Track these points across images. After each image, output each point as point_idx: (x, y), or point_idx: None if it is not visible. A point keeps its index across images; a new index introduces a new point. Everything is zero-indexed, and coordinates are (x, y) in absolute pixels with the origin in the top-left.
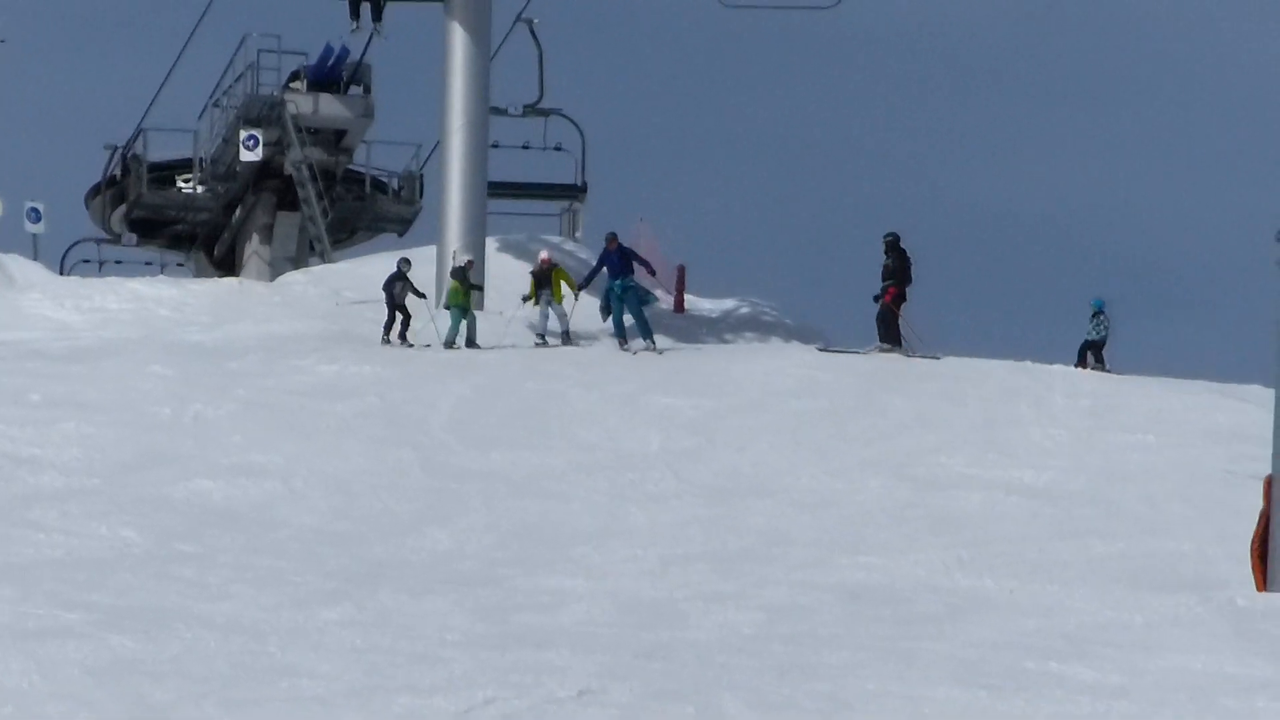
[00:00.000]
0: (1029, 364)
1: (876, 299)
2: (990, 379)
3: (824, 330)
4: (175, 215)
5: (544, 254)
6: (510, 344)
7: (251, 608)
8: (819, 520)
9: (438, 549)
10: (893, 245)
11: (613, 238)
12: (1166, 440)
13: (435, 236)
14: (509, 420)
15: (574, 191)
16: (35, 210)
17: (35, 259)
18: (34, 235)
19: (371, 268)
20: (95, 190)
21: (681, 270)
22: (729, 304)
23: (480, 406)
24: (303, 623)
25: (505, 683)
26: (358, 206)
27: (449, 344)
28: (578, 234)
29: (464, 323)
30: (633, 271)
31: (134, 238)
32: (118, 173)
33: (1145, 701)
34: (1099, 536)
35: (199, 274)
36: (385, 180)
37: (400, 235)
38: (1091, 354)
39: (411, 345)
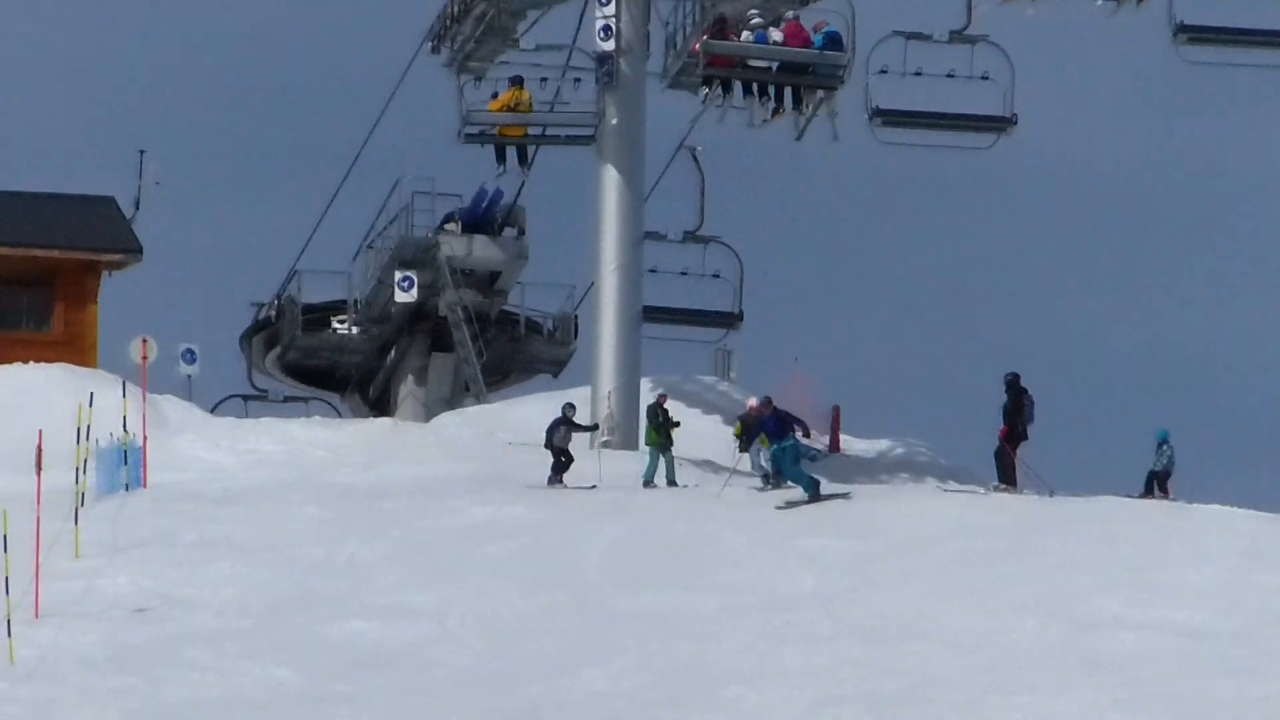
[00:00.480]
0: (1181, 504)
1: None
2: (1143, 519)
3: (978, 471)
4: (329, 357)
5: (752, 401)
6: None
7: None
8: (973, 662)
9: (592, 689)
10: (1010, 385)
11: (768, 402)
12: None
13: (589, 377)
14: (661, 561)
15: (731, 320)
16: (190, 351)
17: (189, 400)
18: (188, 377)
19: (526, 409)
20: (250, 333)
21: (836, 411)
22: (883, 444)
23: (633, 548)
24: None
25: None
26: (512, 348)
27: (647, 482)
28: (732, 374)
29: (662, 461)
30: (792, 432)
31: (281, 392)
32: (271, 315)
33: None
34: (1256, 676)
35: (353, 415)
36: (539, 321)
37: (555, 376)
38: (1157, 483)
39: (566, 486)
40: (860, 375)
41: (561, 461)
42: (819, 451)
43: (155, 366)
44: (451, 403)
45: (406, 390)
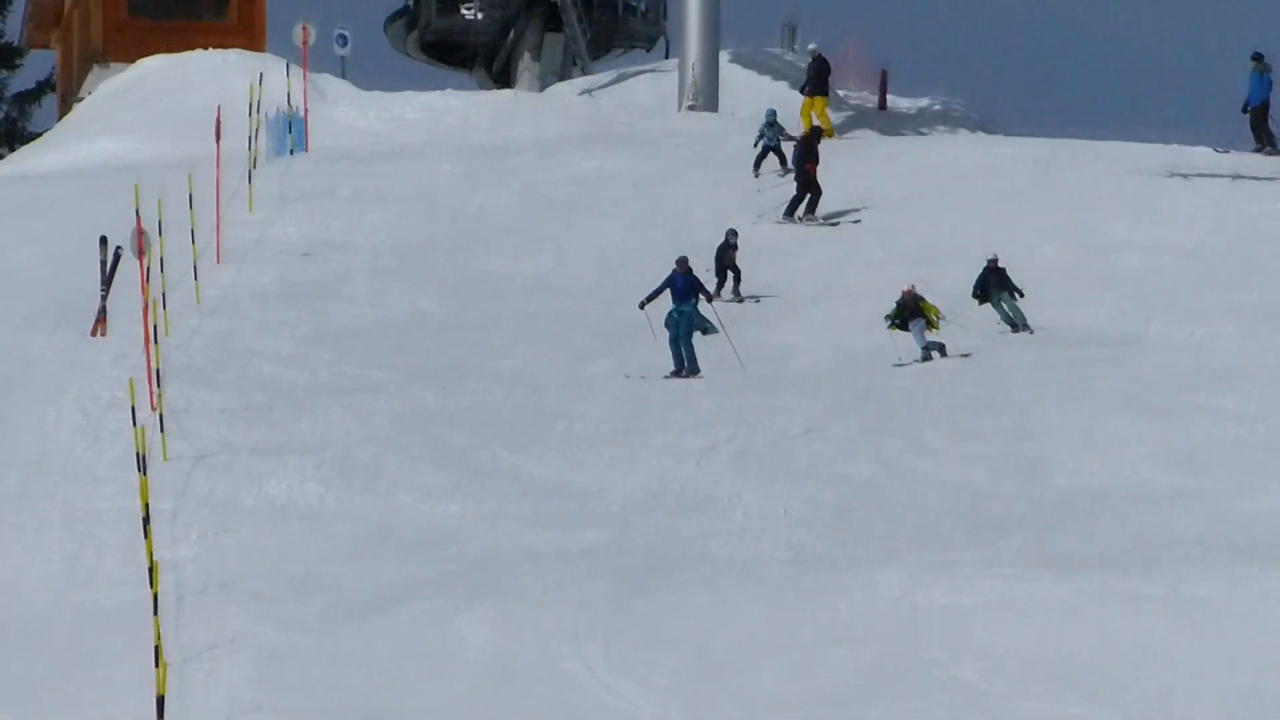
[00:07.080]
0: (1176, 146)
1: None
2: (1145, 162)
3: (1003, 121)
4: (459, 38)
5: (908, 286)
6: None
7: (532, 363)
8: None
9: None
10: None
11: (683, 261)
12: None
13: (678, 50)
14: (741, 197)
15: None
16: (343, 36)
17: (343, 77)
18: (342, 58)
19: (624, 79)
20: (392, 18)
21: (884, 74)
22: (924, 102)
23: (716, 190)
24: (574, 375)
25: (744, 423)
26: (612, 27)
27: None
28: (796, 46)
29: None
30: (695, 298)
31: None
32: (410, 3)
33: None
34: (1241, 287)
35: (480, 87)
36: (634, 4)
37: (647, 50)
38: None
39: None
40: (905, 43)
41: (726, 278)
42: (713, 327)
43: (314, 49)
44: (562, 74)
45: (524, 65)
